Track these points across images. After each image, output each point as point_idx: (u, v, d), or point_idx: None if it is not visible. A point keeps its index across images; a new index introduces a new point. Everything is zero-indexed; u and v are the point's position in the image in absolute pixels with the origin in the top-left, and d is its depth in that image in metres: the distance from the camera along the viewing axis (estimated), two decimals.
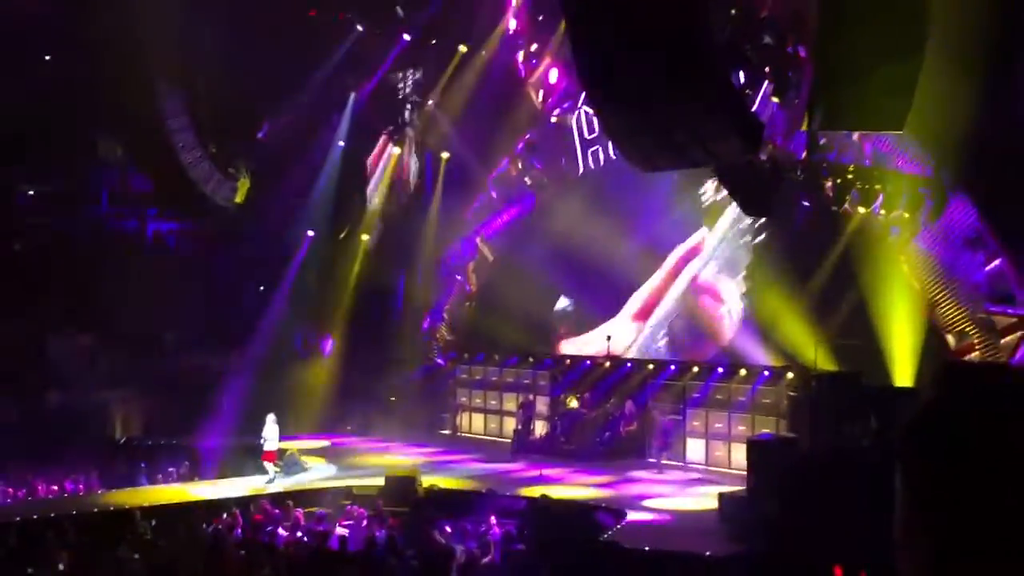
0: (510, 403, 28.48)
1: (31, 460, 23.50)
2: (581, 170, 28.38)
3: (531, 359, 28.77)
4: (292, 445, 24.43)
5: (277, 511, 19.39)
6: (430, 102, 30.59)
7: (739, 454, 21.69)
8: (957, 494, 2.35)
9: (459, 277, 31.53)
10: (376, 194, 32.08)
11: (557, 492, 20.70)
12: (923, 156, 20.88)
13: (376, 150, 31.83)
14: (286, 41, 28.75)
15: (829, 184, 21.92)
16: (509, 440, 26.87)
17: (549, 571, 15.86)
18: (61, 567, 15.99)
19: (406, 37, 29.87)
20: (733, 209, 23.84)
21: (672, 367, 25.62)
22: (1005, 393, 2.46)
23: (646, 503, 19.99)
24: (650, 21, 7.76)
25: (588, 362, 27.69)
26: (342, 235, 31.86)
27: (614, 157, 26.06)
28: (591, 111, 25.10)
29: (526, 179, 30.10)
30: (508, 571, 16.22)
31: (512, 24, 28.17)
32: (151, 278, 28.18)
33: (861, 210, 21.74)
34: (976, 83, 17.49)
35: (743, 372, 23.92)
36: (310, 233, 31.23)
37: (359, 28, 30.11)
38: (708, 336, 25.80)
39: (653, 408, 24.66)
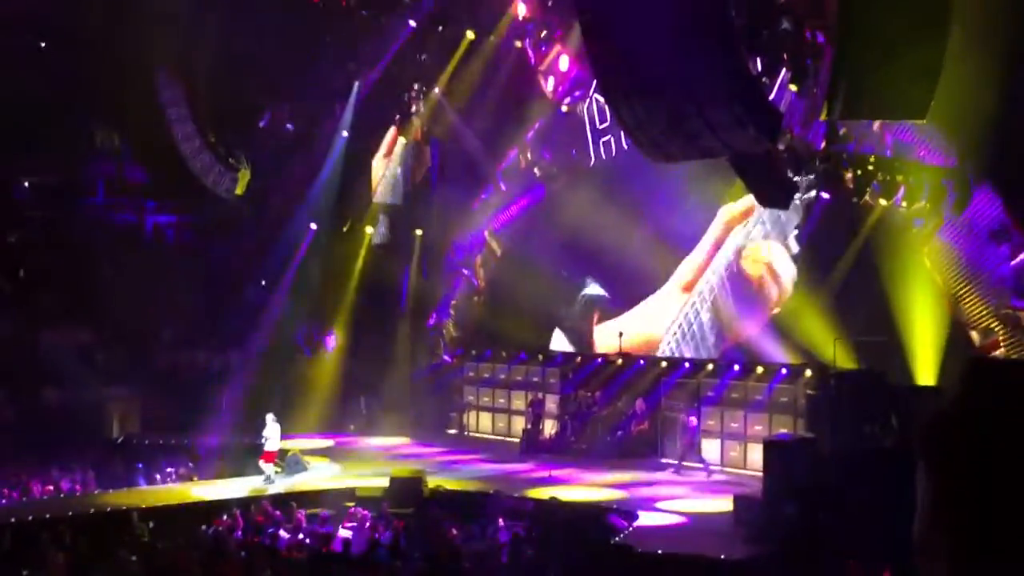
0: (519, 401, 28.47)
1: (26, 459, 23.55)
2: (593, 161, 28.34)
3: (541, 356, 28.77)
4: (294, 445, 24.48)
5: (279, 512, 19.42)
6: (436, 91, 30.55)
7: (755, 455, 21.67)
8: (981, 492, 2.34)
9: (466, 271, 31.52)
10: (381, 186, 32.08)
11: (567, 493, 20.70)
12: (946, 146, 20.80)
13: (381, 140, 31.80)
14: (288, 28, 28.75)
15: (849, 175, 21.82)
16: (518, 440, 26.90)
17: (558, 575, 15.85)
18: (56, 570, 16.03)
19: (412, 23, 29.83)
20: None
21: (686, 364, 25.58)
22: None
23: (659, 505, 19.97)
24: (664, 7, 7.75)
25: (599, 359, 27.68)
26: (345, 228, 31.88)
27: (627, 147, 26.02)
28: (603, 100, 25.05)
29: (535, 170, 30.05)
30: (516, 575, 16.22)
31: (521, 10, 28.09)
32: (149, 272, 28.25)
33: (882, 202, 21.66)
34: (1001, 69, 17.41)
35: (760, 370, 23.86)
36: (313, 226, 31.26)
37: (363, 14, 30.08)
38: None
39: (678, 408, 24.52)
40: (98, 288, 27.87)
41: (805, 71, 18.37)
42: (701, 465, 22.95)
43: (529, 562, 16.33)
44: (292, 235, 30.95)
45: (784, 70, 19.67)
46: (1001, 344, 20.43)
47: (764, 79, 18.78)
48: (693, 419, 23.48)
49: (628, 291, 27.61)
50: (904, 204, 21.44)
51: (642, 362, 26.61)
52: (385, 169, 32.03)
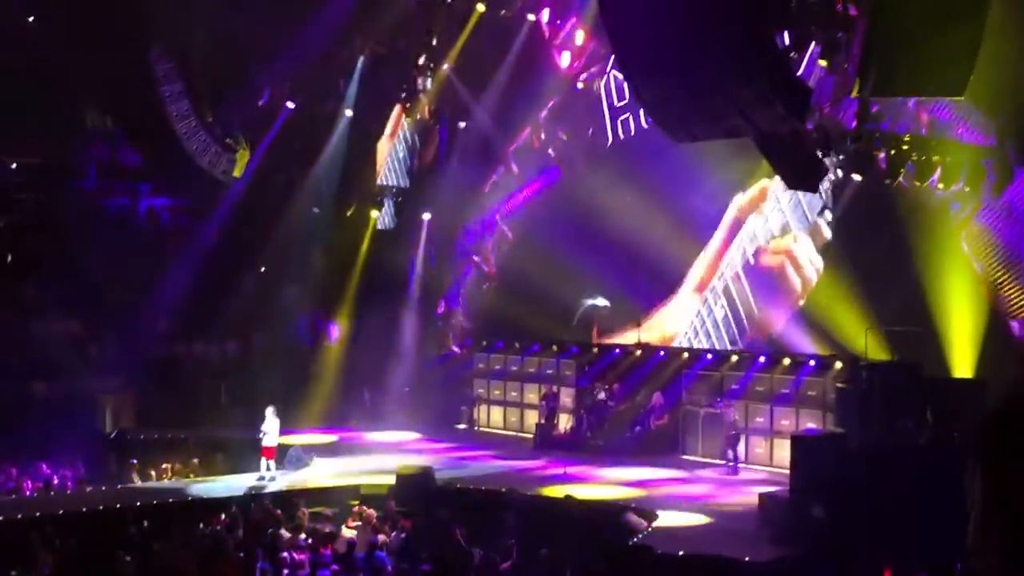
0: (532, 395, 28.48)
1: (14, 455, 23.66)
2: (610, 140, 28.26)
3: (555, 347, 28.72)
4: (296, 440, 24.54)
5: (279, 511, 19.46)
6: (445, 66, 30.47)
7: (782, 451, 21.64)
8: None
9: (476, 258, 31.50)
10: (386, 168, 32.06)
11: (583, 491, 20.71)
12: (986, 124, 20.69)
13: (386, 119, 31.74)
14: (288, 1, 28.70)
15: (882, 156, 21.71)
16: (531, 435, 26.91)
17: None
18: (46, 570, 16.10)
19: None
20: None
21: (709, 356, 25.54)
22: None
23: (680, 504, 19.95)
24: None
25: (617, 350, 27.64)
26: (349, 212, 31.89)
27: (646, 126, 25.95)
28: (621, 76, 24.97)
29: (550, 150, 30.02)
30: None
31: None
32: (143, 258, 28.28)
33: (917, 184, 21.54)
34: None
35: (786, 362, 23.82)
36: (315, 210, 31.27)
37: None
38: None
39: (700, 403, 24.44)
40: (90, 275, 27.92)
41: (836, 45, 18.23)
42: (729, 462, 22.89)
43: (542, 564, 16.32)
44: (294, 220, 30.98)
45: (813, 44, 19.54)
46: None
47: (792, 53, 18.67)
48: (732, 411, 23.41)
49: (647, 286, 27.51)
50: (940, 186, 21.33)
51: (662, 353, 26.55)
52: (391, 149, 32.02)
